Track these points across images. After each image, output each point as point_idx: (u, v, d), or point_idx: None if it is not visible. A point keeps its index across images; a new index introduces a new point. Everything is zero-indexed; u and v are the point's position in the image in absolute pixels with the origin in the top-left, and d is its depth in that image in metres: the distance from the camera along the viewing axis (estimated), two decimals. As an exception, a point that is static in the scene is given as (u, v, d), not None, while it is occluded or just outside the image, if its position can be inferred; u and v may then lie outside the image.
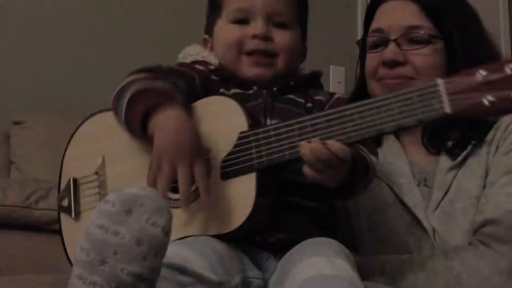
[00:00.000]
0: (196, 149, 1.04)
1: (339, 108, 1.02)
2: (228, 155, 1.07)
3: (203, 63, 1.27)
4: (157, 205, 0.79)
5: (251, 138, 1.06)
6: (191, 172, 1.02)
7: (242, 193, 1.05)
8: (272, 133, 1.05)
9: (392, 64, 1.45)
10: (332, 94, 1.27)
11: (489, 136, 1.40)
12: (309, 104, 1.22)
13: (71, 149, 1.28)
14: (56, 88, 2.36)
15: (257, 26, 1.21)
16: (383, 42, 1.47)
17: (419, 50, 1.43)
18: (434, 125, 1.43)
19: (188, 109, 1.11)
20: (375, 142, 1.50)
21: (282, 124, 1.06)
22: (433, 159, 1.46)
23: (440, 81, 0.96)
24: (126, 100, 1.10)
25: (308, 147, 1.00)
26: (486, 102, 0.92)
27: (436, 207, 1.40)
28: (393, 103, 0.98)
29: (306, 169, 1.01)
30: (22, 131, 2.08)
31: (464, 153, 1.40)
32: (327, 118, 1.02)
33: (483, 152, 1.40)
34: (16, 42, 2.33)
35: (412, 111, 0.96)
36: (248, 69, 1.22)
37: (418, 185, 1.45)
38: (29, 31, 2.36)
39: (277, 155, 1.04)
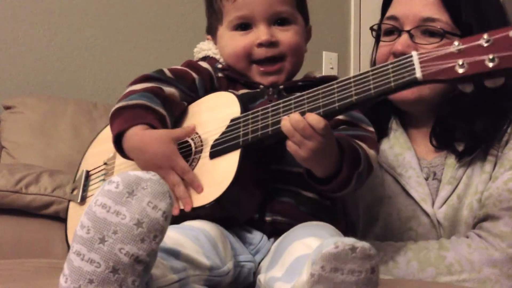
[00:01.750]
0: (165, 160, 1.10)
1: (321, 86, 1.06)
2: (218, 137, 1.12)
3: (212, 60, 1.30)
4: (159, 189, 0.79)
5: (241, 120, 1.11)
6: (175, 175, 1.10)
7: (225, 168, 1.08)
8: (259, 113, 1.10)
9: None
10: None
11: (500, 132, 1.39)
12: None
13: (91, 149, 1.35)
14: (47, 72, 2.34)
15: (260, 32, 1.22)
16: (397, 31, 1.43)
17: (432, 44, 1.36)
18: (442, 123, 1.41)
19: (176, 111, 1.20)
20: (381, 132, 1.49)
21: (269, 105, 1.10)
22: (441, 153, 1.44)
23: (414, 52, 0.98)
24: (109, 117, 1.17)
25: (286, 119, 1.04)
26: (457, 66, 0.92)
27: (444, 202, 1.39)
28: (370, 76, 1.00)
29: (288, 142, 1.04)
30: (12, 115, 2.06)
31: (474, 153, 1.39)
32: (310, 95, 1.06)
33: (493, 147, 1.39)
34: (6, 26, 2.31)
35: (386, 80, 0.98)
36: (261, 78, 1.25)
37: (426, 179, 1.43)
38: (18, 15, 2.33)
39: (261, 132, 1.08)
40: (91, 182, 1.29)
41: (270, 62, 1.23)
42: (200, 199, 1.08)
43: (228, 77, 1.27)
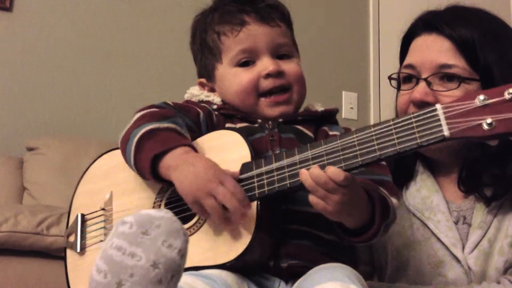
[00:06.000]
0: (216, 175, 1.04)
1: (338, 135, 1.03)
2: None
3: (207, 102, 1.27)
4: (173, 227, 0.78)
5: (253, 168, 1.07)
6: (223, 191, 1.03)
7: (243, 223, 1.04)
8: (274, 164, 1.06)
9: (421, 104, 1.37)
10: (349, 129, 1.23)
11: None
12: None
13: (82, 186, 1.29)
14: (69, 114, 2.38)
15: (267, 63, 1.20)
16: (415, 79, 1.42)
17: (450, 91, 1.34)
18: (469, 168, 1.39)
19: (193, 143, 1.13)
20: (408, 176, 1.47)
21: (283, 153, 1.06)
22: (470, 197, 1.41)
23: (438, 106, 0.96)
24: (133, 144, 1.11)
25: (307, 173, 1.00)
26: (484, 125, 0.91)
27: (475, 247, 1.35)
28: (392, 130, 0.98)
29: (311, 197, 1.01)
30: (35, 157, 2.08)
31: (503, 198, 1.36)
32: (328, 146, 1.02)
33: None
34: (29, 69, 2.35)
35: (411, 136, 0.96)
36: (270, 110, 1.21)
37: (456, 223, 1.40)
38: (42, 58, 2.38)
39: (278, 184, 1.04)
40: (89, 229, 1.22)
41: (278, 93, 1.21)
42: (220, 257, 1.05)
43: (224, 115, 1.24)
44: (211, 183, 1.02)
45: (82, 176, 1.29)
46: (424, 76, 1.39)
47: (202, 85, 1.31)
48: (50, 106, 2.35)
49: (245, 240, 1.03)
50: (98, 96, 2.44)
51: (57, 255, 1.69)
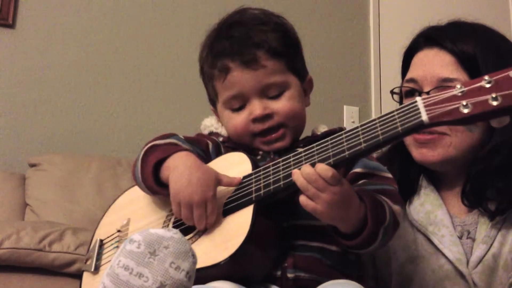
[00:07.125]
0: (207, 186, 1.09)
1: (330, 137, 1.07)
2: (231, 195, 1.13)
3: (215, 134, 1.32)
4: (182, 248, 0.79)
5: (253, 177, 1.13)
6: (205, 210, 1.08)
7: (239, 224, 1.07)
8: (271, 168, 1.11)
9: None
10: None
11: None
12: None
13: (105, 217, 1.35)
14: (71, 131, 2.38)
15: (253, 108, 1.21)
16: (417, 93, 1.42)
17: None
18: (472, 182, 1.39)
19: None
20: (412, 190, 1.48)
21: (280, 159, 1.11)
22: (474, 211, 1.41)
23: (418, 98, 0.99)
24: (139, 160, 1.18)
25: (298, 173, 1.03)
26: (461, 107, 0.94)
27: (479, 262, 1.35)
28: (377, 123, 1.01)
29: (301, 197, 1.03)
30: (37, 173, 2.08)
31: (507, 213, 1.36)
32: (319, 146, 1.07)
33: None
34: (31, 86, 2.36)
35: (393, 126, 0.99)
36: (267, 146, 1.24)
37: (460, 238, 1.40)
38: (44, 76, 2.39)
39: (273, 186, 1.08)
40: (105, 251, 1.28)
41: (271, 132, 1.22)
42: (216, 257, 1.06)
43: (230, 147, 1.28)
44: (196, 196, 1.08)
45: (107, 210, 1.36)
46: (426, 90, 1.40)
47: (215, 112, 1.35)
48: (53, 123, 2.35)
49: (238, 240, 1.04)
50: (100, 113, 2.45)
51: (59, 271, 1.69)
